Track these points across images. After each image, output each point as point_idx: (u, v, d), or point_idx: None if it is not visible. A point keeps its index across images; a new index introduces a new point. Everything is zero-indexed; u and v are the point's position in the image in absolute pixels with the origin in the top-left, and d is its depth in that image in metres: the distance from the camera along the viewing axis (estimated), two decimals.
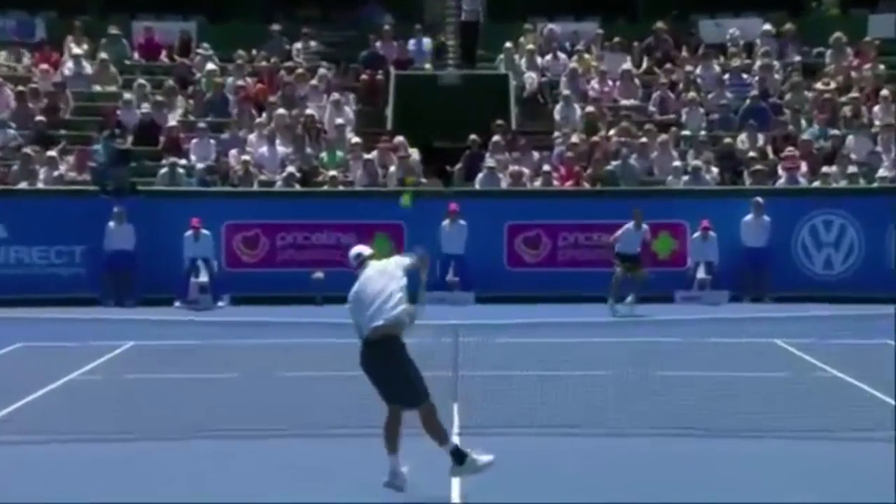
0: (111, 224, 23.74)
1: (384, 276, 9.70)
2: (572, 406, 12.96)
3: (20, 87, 27.34)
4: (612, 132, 26.86)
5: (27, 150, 25.49)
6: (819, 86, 28.36)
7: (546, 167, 25.65)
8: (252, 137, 26.48)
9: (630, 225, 22.73)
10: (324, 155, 26.38)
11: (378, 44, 29.37)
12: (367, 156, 25.90)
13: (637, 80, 28.79)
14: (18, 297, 22.38)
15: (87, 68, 28.41)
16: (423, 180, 25.94)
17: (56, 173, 25.05)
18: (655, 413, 12.73)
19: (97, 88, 28.22)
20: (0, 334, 16.46)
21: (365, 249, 10.21)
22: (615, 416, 12.57)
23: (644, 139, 26.38)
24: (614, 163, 25.82)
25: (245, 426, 12.19)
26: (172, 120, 26.75)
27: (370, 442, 10.30)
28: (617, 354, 15.71)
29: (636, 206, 23.11)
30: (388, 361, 9.33)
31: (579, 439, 12.00)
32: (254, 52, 29.16)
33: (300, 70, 28.55)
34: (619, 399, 13.26)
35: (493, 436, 11.91)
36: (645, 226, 22.87)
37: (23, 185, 24.88)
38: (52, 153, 25.43)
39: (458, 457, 9.25)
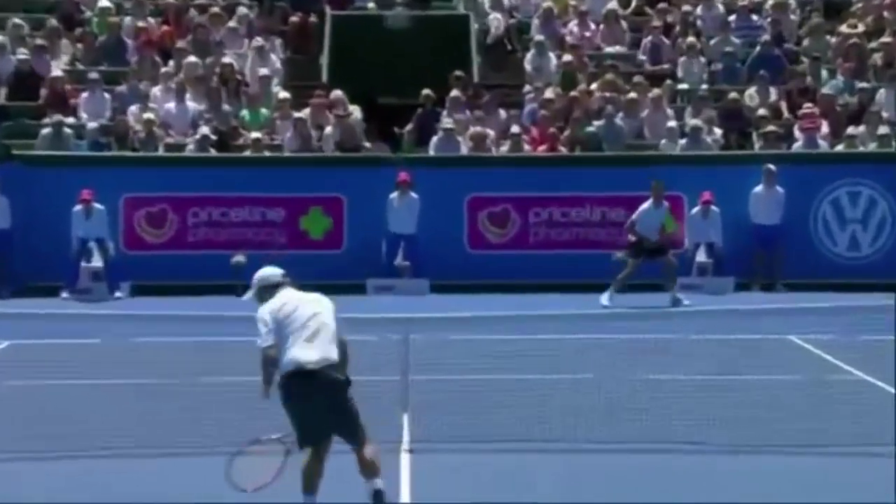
0: None
1: (318, 304, 9.78)
2: (547, 417, 12.96)
3: None
4: (594, 86, 26.89)
5: None
6: (844, 29, 28.45)
7: (515, 128, 25.67)
8: (156, 91, 26.33)
9: (648, 204, 22.53)
10: (245, 113, 26.28)
11: None
12: (297, 114, 25.82)
13: (624, 23, 28.84)
14: None
15: None
16: (367, 144, 25.91)
17: None
18: (647, 424, 12.75)
19: None
20: None
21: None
22: (599, 428, 12.58)
23: (633, 94, 26.43)
24: (597, 123, 25.86)
25: (145, 443, 12.11)
26: (57, 69, 26.49)
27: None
28: (601, 355, 15.75)
29: (628, 175, 23.22)
30: (341, 398, 9.47)
31: (554, 456, 11.97)
32: None
33: (215, 9, 28.41)
34: (604, 407, 13.29)
35: (450, 452, 11.92)
36: (666, 203, 22.80)
37: None
38: None
39: (379, 499, 9.29)
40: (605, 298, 21.68)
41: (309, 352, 9.46)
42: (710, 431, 12.42)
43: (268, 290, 9.94)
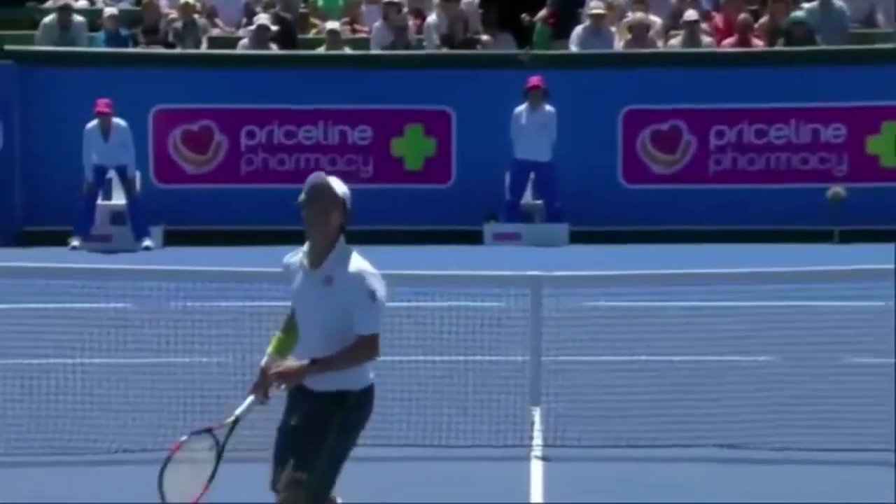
0: None
1: None
2: (723, 412, 13.10)
3: None
4: None
5: None
6: None
7: (690, 14, 25.65)
8: None
9: None
10: None
11: None
12: None
13: None
14: None
15: None
16: (485, 38, 25.97)
17: None
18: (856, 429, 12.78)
19: None
20: None
21: None
22: (788, 432, 12.69)
23: None
24: (808, 5, 25.78)
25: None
26: None
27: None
28: (801, 330, 15.73)
29: (852, 77, 23.16)
30: None
31: (732, 468, 12.11)
32: None
33: None
34: (797, 404, 13.37)
35: (591, 461, 12.07)
36: None
37: None
38: None
39: None
40: None
41: None
42: None
43: None
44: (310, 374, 8.35)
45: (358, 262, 8.45)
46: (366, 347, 8.44)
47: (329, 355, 8.35)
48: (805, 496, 11.40)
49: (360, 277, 8.39)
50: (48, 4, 25.66)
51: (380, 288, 8.45)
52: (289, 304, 8.73)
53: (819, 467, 12.23)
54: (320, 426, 8.42)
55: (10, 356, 15.08)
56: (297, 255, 8.67)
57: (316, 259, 8.46)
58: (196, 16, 25.50)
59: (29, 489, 11.70)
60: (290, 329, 8.63)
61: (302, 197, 8.54)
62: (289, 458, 8.40)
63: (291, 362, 8.46)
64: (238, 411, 8.53)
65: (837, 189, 23.21)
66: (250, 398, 8.59)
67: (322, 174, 8.61)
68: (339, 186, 8.54)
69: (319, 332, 8.42)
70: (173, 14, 25.57)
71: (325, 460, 8.39)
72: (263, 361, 8.60)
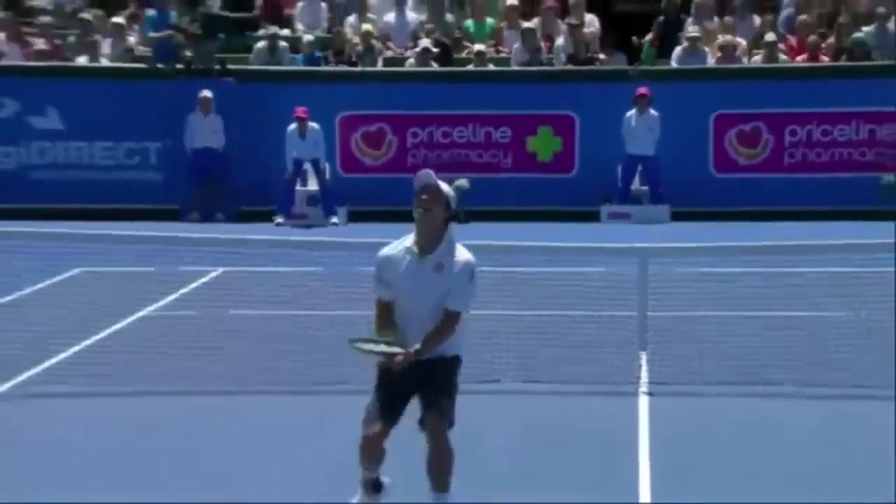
0: (195, 115, 24.26)
1: None
2: (797, 359, 12.91)
3: None
4: None
5: (86, 14, 26.09)
6: None
7: (770, 36, 25.31)
8: (376, 1, 26.60)
9: None
10: (469, 23, 26.43)
11: None
12: (526, 24, 25.87)
13: None
14: (77, 207, 23.15)
15: None
16: (602, 56, 25.82)
17: (123, 47, 25.62)
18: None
19: None
20: (55, 256, 16.78)
21: None
22: (854, 372, 12.46)
23: None
24: (867, 28, 25.35)
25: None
26: None
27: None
28: (864, 289, 15.46)
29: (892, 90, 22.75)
30: None
31: (804, 403, 11.89)
32: None
33: None
34: (862, 350, 13.14)
35: (690, 396, 11.96)
36: None
37: (82, 60, 25.54)
38: (118, 20, 26.02)
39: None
40: None
41: None
42: None
43: None
44: (417, 357, 8.10)
45: (463, 251, 8.23)
46: (453, 322, 8.16)
47: (426, 338, 8.10)
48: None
49: (466, 265, 8.16)
50: (260, 33, 25.76)
51: (474, 272, 8.20)
52: None
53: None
54: (453, 377, 8.29)
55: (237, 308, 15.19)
56: (396, 248, 8.32)
57: (426, 248, 8.18)
58: (374, 41, 25.49)
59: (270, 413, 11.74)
60: (386, 316, 8.30)
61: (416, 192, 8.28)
62: (429, 401, 8.22)
63: (403, 353, 8.13)
64: (383, 356, 8.21)
65: (890, 177, 22.86)
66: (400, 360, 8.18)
67: (431, 174, 8.32)
68: (444, 186, 8.27)
69: (430, 312, 8.16)
70: (356, 40, 25.63)
71: (453, 396, 8.26)
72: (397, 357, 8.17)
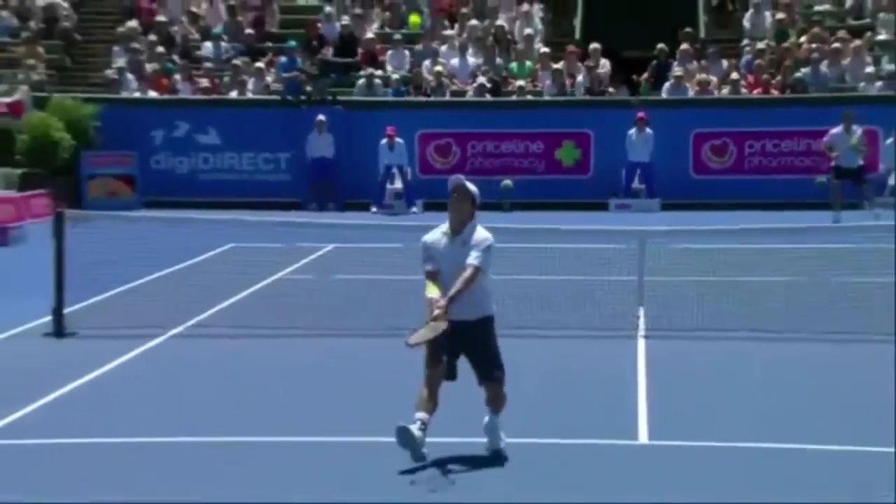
0: (313, 134, 24.19)
1: None
2: (759, 312, 12.69)
3: (231, 2, 27.88)
4: (802, 39, 25.92)
5: (236, 61, 26.13)
6: None
7: (734, 75, 25.02)
8: (444, 49, 26.47)
9: (839, 129, 21.63)
10: (513, 65, 26.22)
11: None
12: (555, 66, 25.64)
13: None
14: (230, 200, 23.19)
15: None
16: (612, 90, 25.63)
17: (263, 84, 25.64)
18: (836, 318, 12.31)
19: (300, 1, 28.60)
20: (214, 235, 16.95)
21: None
22: (802, 320, 12.23)
23: (836, 45, 25.38)
24: (804, 70, 24.97)
25: None
26: (370, 32, 26.93)
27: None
28: (807, 261, 15.24)
29: (830, 113, 22.37)
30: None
31: (766, 344, 11.62)
32: None
33: None
34: (808, 305, 12.92)
35: (677, 339, 11.79)
36: (857, 128, 21.76)
37: (233, 94, 25.61)
38: (259, 65, 26.01)
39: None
40: (836, 216, 20.06)
41: None
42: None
43: None
44: (451, 305, 7.66)
45: (483, 231, 7.88)
46: (472, 275, 7.69)
47: (452, 292, 7.66)
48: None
49: (484, 239, 7.83)
50: (360, 73, 25.73)
51: (490, 244, 7.82)
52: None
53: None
54: (490, 341, 7.92)
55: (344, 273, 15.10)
56: (435, 234, 7.94)
57: (456, 230, 7.86)
58: (443, 78, 25.37)
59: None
60: (434, 282, 7.82)
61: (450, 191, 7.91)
62: (482, 368, 7.85)
63: (443, 300, 7.68)
64: (431, 335, 7.63)
65: (822, 178, 22.56)
66: (442, 325, 7.59)
67: (461, 178, 7.99)
68: (471, 186, 7.93)
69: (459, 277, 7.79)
70: (430, 78, 25.51)
71: (499, 357, 7.94)
72: (436, 300, 7.68)
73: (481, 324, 7.91)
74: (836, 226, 18.52)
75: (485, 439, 8.00)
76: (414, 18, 27.43)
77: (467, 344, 7.86)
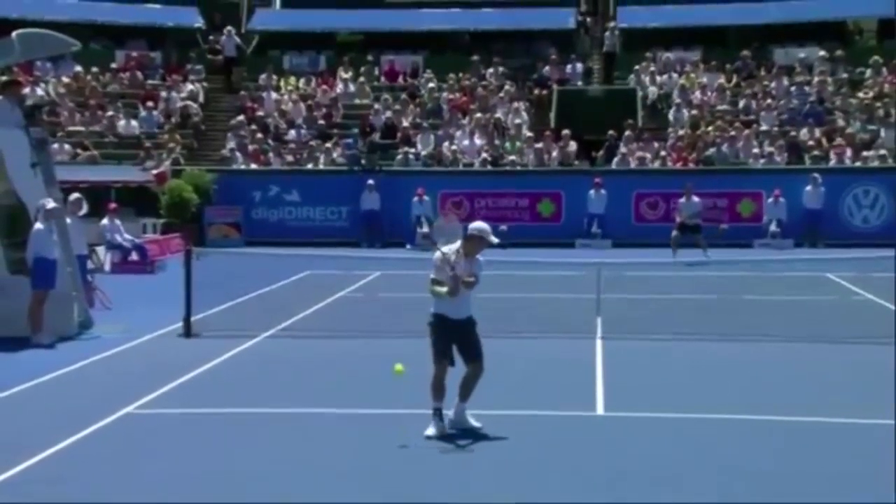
0: (365, 192, 24.06)
1: None
2: (678, 319, 12.57)
3: (309, 102, 28.00)
4: (710, 128, 25.81)
5: (312, 143, 26.17)
6: (861, 94, 26.52)
7: (662, 153, 24.91)
8: (458, 133, 26.44)
9: (683, 199, 20.54)
10: (507, 145, 26.17)
11: (546, 69, 28.88)
12: (536, 145, 25.58)
13: (728, 92, 27.55)
14: (307, 240, 23.14)
15: (351, 88, 28.86)
16: (577, 162, 25.48)
17: (330, 158, 25.64)
18: (735, 323, 12.19)
19: (357, 101, 28.65)
20: (296, 265, 16.95)
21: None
22: (712, 324, 12.12)
23: (733, 133, 25.25)
24: (712, 149, 24.85)
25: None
26: (406, 122, 26.92)
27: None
28: (715, 283, 15.12)
29: (730, 179, 22.22)
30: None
31: (684, 344, 11.48)
32: (461, 74, 29.05)
33: (491, 87, 28.35)
34: (709, 313, 12.81)
35: (627, 340, 11.64)
36: (696, 198, 20.57)
37: (309, 166, 25.61)
38: (328, 145, 26.02)
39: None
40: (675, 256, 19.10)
41: None
42: (780, 327, 11.79)
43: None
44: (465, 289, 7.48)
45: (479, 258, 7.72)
46: (475, 283, 7.55)
47: (468, 280, 7.52)
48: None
49: (481, 261, 7.71)
50: (399, 150, 25.77)
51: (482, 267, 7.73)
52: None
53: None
54: (476, 333, 7.71)
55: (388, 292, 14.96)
56: (449, 250, 7.60)
57: (469, 256, 7.67)
58: (457, 154, 25.46)
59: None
60: (439, 284, 7.56)
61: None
62: (471, 351, 7.58)
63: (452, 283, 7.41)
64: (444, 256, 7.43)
65: (724, 226, 22.28)
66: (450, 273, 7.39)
67: (487, 229, 7.67)
68: (479, 227, 7.65)
69: (467, 291, 7.64)
70: (448, 153, 25.54)
71: (480, 347, 7.73)
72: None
73: (470, 320, 7.72)
74: (730, 259, 18.27)
75: (458, 420, 7.48)
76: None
77: (463, 335, 7.61)
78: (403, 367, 7.66)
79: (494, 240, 7.68)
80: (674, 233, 20.50)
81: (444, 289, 7.53)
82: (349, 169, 25.02)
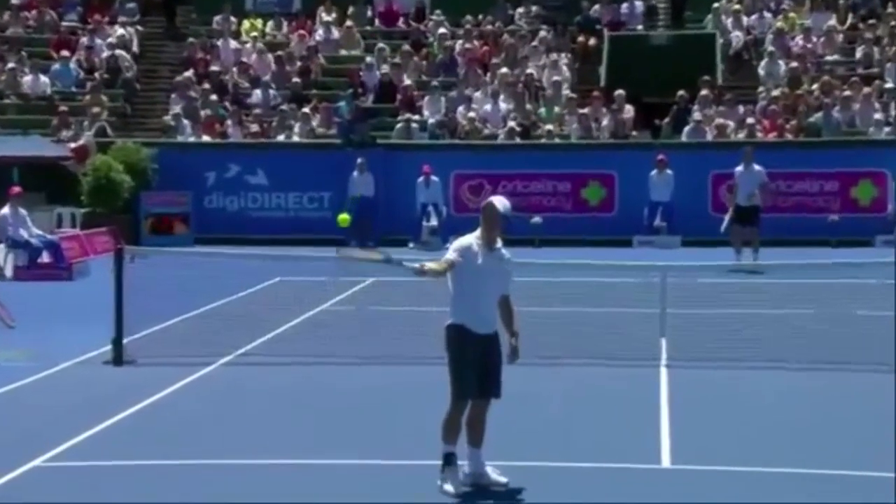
0: (355, 173, 24.24)
1: None
2: (765, 342, 12.58)
3: (279, 53, 28.17)
4: (814, 86, 25.86)
5: (284, 107, 26.36)
6: None
7: (750, 120, 24.92)
8: (478, 95, 26.55)
9: (740, 167, 20.13)
10: (542, 110, 26.25)
11: (594, 8, 28.95)
12: (581, 111, 25.67)
13: (841, 36, 27.54)
14: (276, 237, 23.27)
15: (335, 34, 29.02)
16: (634, 133, 25.63)
17: (308, 128, 25.81)
18: (841, 349, 12.17)
19: (343, 52, 28.82)
20: (261, 270, 17.02)
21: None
22: (808, 352, 12.11)
23: (847, 92, 25.30)
24: (817, 115, 24.90)
25: None
26: (408, 80, 27.06)
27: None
28: (815, 293, 15.12)
29: (841, 155, 22.36)
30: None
31: (768, 373, 11.47)
32: (480, 17, 29.16)
33: (522, 33, 28.46)
34: (805, 335, 12.81)
35: (697, 369, 11.66)
36: (758, 167, 20.18)
37: (280, 138, 25.81)
38: (304, 110, 26.22)
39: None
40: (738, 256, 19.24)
41: None
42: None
43: None
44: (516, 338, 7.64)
45: (503, 247, 7.82)
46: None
47: (516, 324, 7.65)
48: None
49: (508, 255, 7.82)
50: (399, 118, 25.91)
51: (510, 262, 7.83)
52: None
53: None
54: (500, 356, 7.68)
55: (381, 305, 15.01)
56: (469, 240, 7.77)
57: (490, 245, 7.76)
58: (476, 123, 25.53)
59: None
60: (441, 268, 7.73)
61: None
62: (490, 382, 7.56)
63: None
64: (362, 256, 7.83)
65: (834, 217, 22.40)
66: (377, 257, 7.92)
67: (507, 205, 7.88)
68: (500, 206, 7.80)
69: (497, 292, 7.71)
70: (464, 122, 25.68)
71: (501, 377, 7.71)
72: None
73: (497, 338, 7.69)
74: (841, 262, 18.32)
75: (477, 474, 7.44)
76: None
77: (485, 356, 7.55)
78: (349, 217, 7.83)
79: (503, 206, 7.73)
80: (726, 220, 19.56)
81: (434, 264, 7.66)
82: (333, 143, 25.17)
